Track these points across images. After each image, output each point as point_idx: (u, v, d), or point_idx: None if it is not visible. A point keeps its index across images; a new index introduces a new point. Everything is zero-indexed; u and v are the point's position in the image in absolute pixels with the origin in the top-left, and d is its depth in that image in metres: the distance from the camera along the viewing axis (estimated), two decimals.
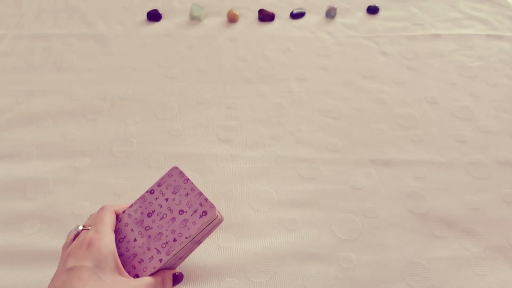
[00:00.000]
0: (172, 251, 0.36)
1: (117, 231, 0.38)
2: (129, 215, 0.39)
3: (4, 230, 0.46)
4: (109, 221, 0.37)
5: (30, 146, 0.55)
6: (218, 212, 0.39)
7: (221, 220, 0.41)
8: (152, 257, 0.36)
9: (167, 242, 0.37)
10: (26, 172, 0.51)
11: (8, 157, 0.53)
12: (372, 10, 0.83)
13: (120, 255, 0.36)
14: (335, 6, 0.81)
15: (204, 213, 0.38)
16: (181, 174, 0.41)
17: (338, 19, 0.81)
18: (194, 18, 0.79)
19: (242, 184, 0.51)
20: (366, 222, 0.48)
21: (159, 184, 0.40)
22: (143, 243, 0.37)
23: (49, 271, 0.42)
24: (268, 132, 0.58)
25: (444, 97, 0.65)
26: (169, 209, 0.38)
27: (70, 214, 0.47)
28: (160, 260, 0.36)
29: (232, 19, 0.79)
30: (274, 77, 0.67)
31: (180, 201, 0.39)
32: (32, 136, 0.56)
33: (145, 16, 0.80)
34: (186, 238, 0.37)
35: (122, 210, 0.40)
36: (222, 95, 0.64)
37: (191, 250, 0.40)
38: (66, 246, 0.35)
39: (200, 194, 0.39)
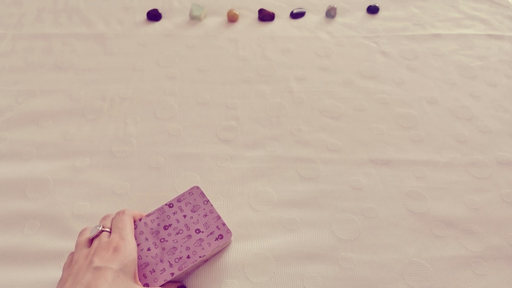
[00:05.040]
0: (185, 267, 0.37)
1: None
2: (145, 224, 0.40)
3: (4, 230, 0.46)
4: (132, 228, 0.38)
5: (30, 146, 0.55)
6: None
7: (230, 242, 0.43)
8: (164, 270, 0.37)
9: (180, 258, 0.38)
10: (26, 172, 0.52)
11: (8, 157, 0.53)
12: (372, 10, 0.83)
13: None
14: (335, 6, 0.81)
15: (220, 237, 0.39)
16: (202, 194, 0.42)
17: (338, 19, 0.81)
18: (194, 18, 0.79)
19: (242, 184, 0.51)
20: (365, 222, 0.48)
21: (178, 199, 0.42)
22: (156, 254, 0.38)
23: (49, 271, 0.42)
24: (268, 132, 0.58)
25: (444, 97, 0.65)
26: (186, 226, 0.40)
27: (70, 214, 0.47)
28: (172, 274, 0.37)
29: (232, 19, 0.79)
30: (274, 77, 0.67)
31: (197, 220, 0.40)
32: (32, 136, 0.56)
33: (145, 16, 0.80)
34: (200, 257, 0.38)
35: (138, 218, 0.41)
36: (222, 95, 0.64)
37: (198, 267, 0.41)
38: (82, 244, 0.36)
39: (218, 217, 0.40)
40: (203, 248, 0.39)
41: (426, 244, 0.46)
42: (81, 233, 0.38)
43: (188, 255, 0.38)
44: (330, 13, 0.81)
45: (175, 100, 0.62)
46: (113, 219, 0.39)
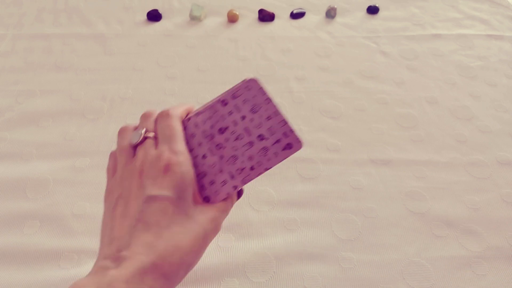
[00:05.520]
0: (249, 180, 0.32)
1: None
2: (196, 124, 0.33)
3: (4, 230, 0.46)
4: (182, 135, 0.31)
5: (30, 146, 0.55)
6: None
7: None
8: (225, 181, 0.31)
9: (243, 169, 0.32)
10: (26, 172, 0.51)
11: (8, 157, 0.53)
12: (372, 10, 0.83)
13: None
14: (335, 6, 0.81)
15: (288, 146, 0.32)
16: (262, 90, 0.33)
17: (338, 19, 0.81)
18: (194, 18, 0.79)
19: None
20: (366, 222, 0.48)
21: (234, 95, 0.33)
22: (214, 162, 0.32)
23: (49, 271, 0.42)
24: None
25: (444, 97, 0.65)
26: (246, 130, 0.32)
27: (70, 214, 0.47)
28: (235, 187, 0.31)
29: (232, 19, 0.79)
30: (274, 77, 0.67)
31: (260, 124, 0.32)
32: (32, 136, 0.56)
33: (145, 16, 0.80)
34: (265, 169, 0.32)
35: (185, 114, 0.34)
36: None
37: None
38: (125, 150, 0.30)
39: (285, 121, 0.32)
40: (269, 159, 0.32)
41: (426, 244, 0.46)
42: (121, 134, 0.31)
43: (252, 166, 0.32)
44: (330, 13, 0.81)
45: (175, 100, 0.62)
46: (156, 120, 0.32)
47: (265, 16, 0.80)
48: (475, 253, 0.45)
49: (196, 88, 0.65)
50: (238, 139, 0.32)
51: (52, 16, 0.79)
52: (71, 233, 0.46)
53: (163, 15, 0.80)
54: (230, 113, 0.33)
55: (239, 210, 0.48)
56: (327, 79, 0.67)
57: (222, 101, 0.33)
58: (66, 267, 0.42)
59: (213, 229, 0.29)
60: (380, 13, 0.84)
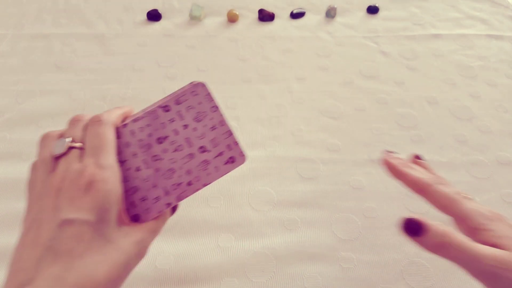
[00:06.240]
0: (185, 197, 0.29)
1: None
2: (133, 132, 0.29)
3: (4, 230, 0.46)
4: (113, 145, 0.27)
5: (30, 146, 0.55)
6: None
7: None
8: (158, 198, 0.28)
9: (179, 184, 0.29)
10: (26, 172, 0.51)
11: (8, 157, 0.53)
12: (372, 10, 0.83)
13: None
14: (335, 6, 0.81)
15: (231, 160, 0.30)
16: (209, 96, 0.30)
17: (338, 19, 0.81)
18: (194, 18, 0.79)
19: (242, 184, 0.51)
20: (366, 222, 0.48)
21: (177, 100, 0.30)
22: (148, 176, 0.28)
23: None
24: (268, 132, 0.58)
25: (444, 97, 0.65)
26: (188, 140, 0.29)
27: None
28: (168, 205, 0.29)
29: (232, 19, 0.79)
30: (274, 77, 0.67)
31: (203, 134, 0.30)
32: (32, 136, 0.56)
33: (145, 16, 0.80)
34: (203, 185, 0.29)
35: (122, 118, 0.30)
36: (222, 95, 0.64)
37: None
38: (44, 163, 0.26)
39: (230, 133, 0.30)
40: (208, 174, 0.29)
41: None
42: (43, 142, 0.27)
43: (190, 182, 0.29)
44: (330, 13, 0.81)
45: None
46: (86, 127, 0.27)
47: (265, 16, 0.80)
48: None
49: None
50: (178, 150, 0.29)
51: (52, 16, 0.79)
52: None
53: (163, 15, 0.80)
54: (172, 120, 0.30)
55: (239, 210, 0.48)
56: (327, 79, 0.67)
57: (164, 106, 0.30)
58: None
59: (138, 254, 0.25)
60: (380, 13, 0.84)
